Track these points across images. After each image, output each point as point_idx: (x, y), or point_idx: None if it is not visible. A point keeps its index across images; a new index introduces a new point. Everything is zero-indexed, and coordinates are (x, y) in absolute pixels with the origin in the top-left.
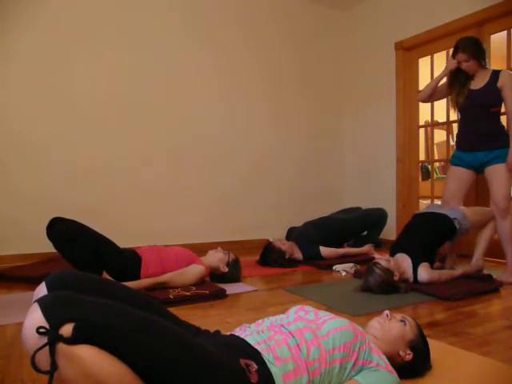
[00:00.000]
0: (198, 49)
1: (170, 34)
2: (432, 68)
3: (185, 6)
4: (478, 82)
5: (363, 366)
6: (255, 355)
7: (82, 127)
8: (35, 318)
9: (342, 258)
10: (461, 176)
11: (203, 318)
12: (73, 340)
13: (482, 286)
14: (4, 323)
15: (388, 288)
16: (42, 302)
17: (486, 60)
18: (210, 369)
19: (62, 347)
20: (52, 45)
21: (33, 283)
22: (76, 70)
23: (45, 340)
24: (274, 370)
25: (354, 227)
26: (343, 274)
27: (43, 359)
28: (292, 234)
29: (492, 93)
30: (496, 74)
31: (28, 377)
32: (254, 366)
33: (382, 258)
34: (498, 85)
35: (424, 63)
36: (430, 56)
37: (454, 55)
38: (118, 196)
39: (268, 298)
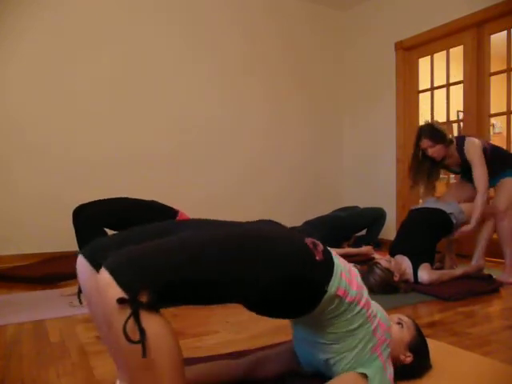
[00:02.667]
0: (196, 49)
1: (168, 35)
2: (432, 68)
3: (182, 6)
4: (455, 162)
5: (377, 359)
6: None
7: (82, 127)
8: (111, 289)
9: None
10: (466, 187)
11: (203, 317)
12: (151, 304)
13: (482, 286)
14: (4, 323)
15: (388, 288)
16: (112, 270)
17: (448, 138)
18: (270, 243)
19: (143, 313)
20: (52, 45)
21: (33, 283)
22: (76, 69)
23: (125, 308)
24: (336, 261)
25: (353, 225)
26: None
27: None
28: None
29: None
30: (461, 148)
31: (28, 377)
32: (322, 247)
33: (382, 258)
34: (467, 158)
35: (424, 63)
36: (430, 56)
37: (417, 143)
38: (119, 195)
39: None
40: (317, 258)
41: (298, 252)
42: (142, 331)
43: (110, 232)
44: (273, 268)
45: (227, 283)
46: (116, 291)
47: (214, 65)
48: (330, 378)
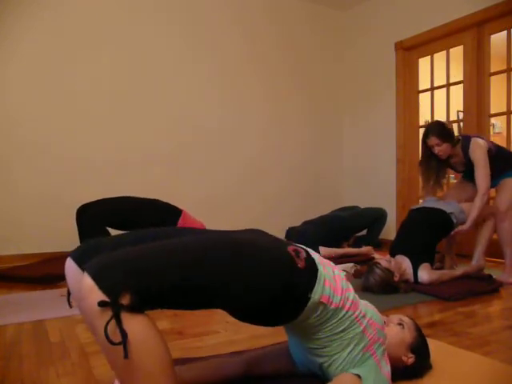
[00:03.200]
0: (196, 49)
1: (168, 35)
2: (432, 68)
3: (182, 6)
4: (460, 162)
5: (370, 358)
6: (304, 249)
7: (82, 127)
8: (93, 294)
9: (342, 258)
10: (466, 185)
11: (203, 317)
12: (133, 306)
13: (482, 286)
14: (4, 323)
15: (388, 288)
16: (94, 274)
17: (455, 138)
18: (251, 252)
19: (124, 315)
20: (52, 45)
21: (33, 283)
22: (76, 69)
23: (106, 311)
24: (320, 268)
25: (353, 225)
26: (343, 274)
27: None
28: (292, 235)
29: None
30: (466, 149)
31: (28, 377)
32: (304, 254)
33: (382, 259)
34: (471, 158)
35: (424, 63)
36: (430, 56)
37: (424, 140)
38: (119, 195)
39: None
40: (299, 265)
41: (280, 260)
42: (123, 333)
43: (112, 231)
44: (256, 275)
45: (211, 288)
46: (98, 295)
47: (214, 65)
48: (326, 378)
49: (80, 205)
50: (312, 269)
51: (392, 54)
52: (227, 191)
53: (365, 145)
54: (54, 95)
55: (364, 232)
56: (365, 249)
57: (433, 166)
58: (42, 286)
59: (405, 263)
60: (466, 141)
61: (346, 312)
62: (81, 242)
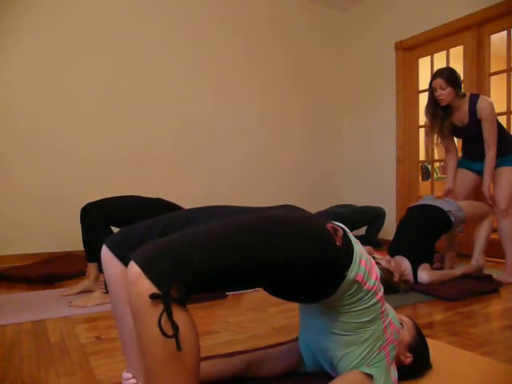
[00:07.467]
0: (196, 49)
1: (167, 35)
2: (432, 68)
3: (182, 7)
4: (460, 117)
5: (384, 359)
6: (342, 227)
7: (82, 127)
8: (142, 282)
9: None
10: (466, 178)
11: (204, 317)
12: (181, 298)
13: (482, 286)
14: (4, 323)
15: (388, 288)
16: (142, 263)
17: (462, 90)
18: (297, 230)
19: (174, 308)
20: (52, 44)
21: (33, 283)
22: (76, 68)
23: (157, 303)
24: (356, 248)
25: (351, 222)
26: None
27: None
28: None
29: (479, 126)
30: (473, 104)
31: (28, 377)
32: (341, 232)
33: (382, 259)
34: (478, 116)
35: (424, 63)
36: (430, 56)
37: (431, 82)
38: (118, 194)
39: (268, 297)
40: (337, 243)
41: (320, 236)
42: (175, 326)
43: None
44: (296, 252)
45: (255, 269)
46: (147, 285)
47: (214, 65)
48: (333, 377)
49: (82, 204)
50: (349, 247)
51: (392, 54)
52: (227, 191)
53: (365, 145)
54: (54, 95)
55: (363, 231)
56: (365, 248)
57: (438, 114)
58: (42, 285)
59: (404, 263)
60: (474, 96)
61: (377, 301)
62: (84, 241)
